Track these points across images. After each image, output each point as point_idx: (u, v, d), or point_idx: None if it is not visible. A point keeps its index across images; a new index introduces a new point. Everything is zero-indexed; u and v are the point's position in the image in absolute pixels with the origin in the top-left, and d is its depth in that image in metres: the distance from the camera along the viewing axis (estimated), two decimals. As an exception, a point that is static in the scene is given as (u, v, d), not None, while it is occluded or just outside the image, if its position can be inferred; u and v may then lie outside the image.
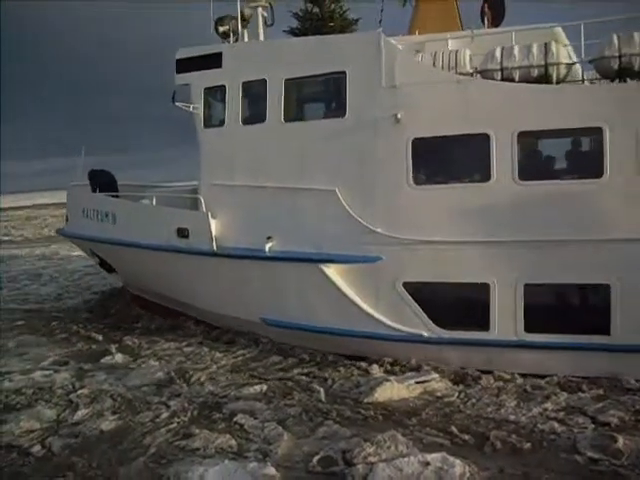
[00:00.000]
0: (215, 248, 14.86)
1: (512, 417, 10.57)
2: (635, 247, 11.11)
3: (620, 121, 11.20)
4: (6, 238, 46.04)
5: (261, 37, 16.09)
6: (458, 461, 8.73)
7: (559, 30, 13.52)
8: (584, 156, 12.47)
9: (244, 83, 14.64)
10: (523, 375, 12.06)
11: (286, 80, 13.96)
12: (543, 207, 11.65)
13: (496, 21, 16.01)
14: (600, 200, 11.35)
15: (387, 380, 12.09)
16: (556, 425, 10.15)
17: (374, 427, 10.41)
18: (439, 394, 11.75)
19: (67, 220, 20.46)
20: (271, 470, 8.95)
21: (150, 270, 17.50)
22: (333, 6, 19.55)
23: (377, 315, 13.00)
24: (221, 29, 15.76)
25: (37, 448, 10.32)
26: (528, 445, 9.58)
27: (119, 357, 14.97)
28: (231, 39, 15.60)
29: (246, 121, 14.74)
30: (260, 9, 16.19)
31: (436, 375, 12.36)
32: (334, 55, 13.43)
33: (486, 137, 11.96)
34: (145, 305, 19.00)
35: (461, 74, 12.74)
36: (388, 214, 12.82)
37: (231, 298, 15.17)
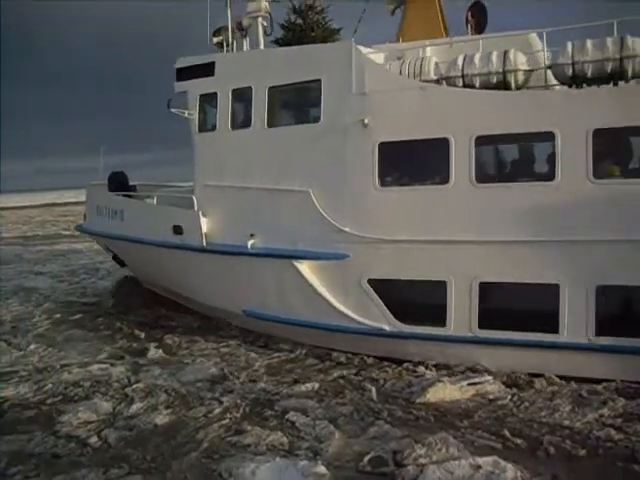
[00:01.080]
0: (205, 244, 15.94)
1: (566, 422, 10.34)
2: (583, 248, 11.48)
3: (571, 126, 11.57)
4: (66, 232, 47.39)
5: (261, 46, 16.79)
6: (510, 465, 8.59)
7: (533, 36, 13.87)
8: (538, 160, 12.76)
9: (233, 90, 15.56)
10: (579, 379, 11.78)
11: (269, 88, 14.81)
12: (498, 208, 12.14)
13: (479, 27, 16.48)
14: (552, 202, 11.70)
15: (439, 381, 12.02)
16: (613, 432, 9.86)
17: (425, 428, 10.34)
18: (492, 396, 11.57)
19: (85, 217, 22.37)
20: (321, 469, 8.97)
21: (153, 264, 19.05)
22: (317, 17, 20.16)
23: (344, 309, 13.66)
24: (215, 40, 16.90)
25: (94, 439, 10.59)
26: (583, 452, 9.36)
27: (159, 356, 15.20)
28: (225, 49, 16.63)
29: (234, 126, 15.68)
30: (260, 19, 16.87)
31: (489, 377, 12.19)
32: (311, 64, 14.19)
33: (446, 141, 12.45)
34: (155, 297, 20.29)
35: (426, 81, 13.23)
36: (356, 214, 13.48)
37: (219, 291, 16.26)
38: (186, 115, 16.50)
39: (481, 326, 12.39)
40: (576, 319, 11.64)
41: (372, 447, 9.69)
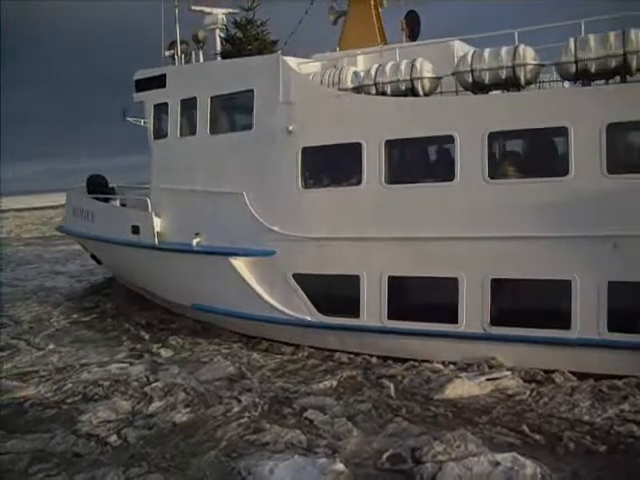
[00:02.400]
0: (157, 242, 17.27)
1: (586, 418, 10.25)
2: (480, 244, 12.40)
3: (469, 130, 12.42)
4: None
5: (218, 58, 18.13)
6: (529, 462, 8.53)
7: (455, 43, 14.49)
8: (441, 162, 13.62)
9: (181, 100, 16.92)
10: (598, 376, 11.58)
11: (211, 97, 16.07)
12: (407, 207, 13.09)
13: (413, 35, 17.43)
14: (452, 202, 12.67)
15: (458, 377, 12.00)
16: (635, 428, 9.75)
17: (444, 425, 10.32)
18: (510, 392, 11.50)
19: (65, 219, 23.98)
20: (340, 466, 8.95)
21: (120, 262, 20.93)
22: (256, 30, 21.47)
23: (272, 302, 14.79)
24: (167, 53, 18.24)
25: (114, 438, 10.67)
26: (604, 448, 9.29)
27: (177, 355, 15.25)
28: (176, 61, 17.98)
29: (183, 134, 17.04)
30: (217, 31, 18.26)
31: (508, 372, 12.10)
32: (245, 75, 15.44)
33: (359, 146, 13.43)
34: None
35: (343, 90, 14.22)
36: (282, 214, 14.61)
37: (173, 286, 17.80)
38: (142, 123, 18.36)
39: (390, 317, 13.29)
40: (473, 310, 12.56)
41: (390, 444, 9.69)
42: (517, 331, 12.12)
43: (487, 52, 12.80)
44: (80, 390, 13.07)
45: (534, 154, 13.12)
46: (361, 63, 15.44)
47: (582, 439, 9.55)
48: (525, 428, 10.01)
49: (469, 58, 12.90)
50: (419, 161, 14.26)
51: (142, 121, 18.27)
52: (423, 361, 13.05)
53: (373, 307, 13.46)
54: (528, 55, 12.53)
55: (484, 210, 12.37)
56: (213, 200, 15.86)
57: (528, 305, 12.50)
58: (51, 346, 16.61)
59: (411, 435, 9.94)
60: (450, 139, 12.66)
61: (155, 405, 11.96)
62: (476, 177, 12.41)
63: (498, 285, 12.31)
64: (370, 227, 13.38)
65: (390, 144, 13.31)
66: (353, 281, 13.58)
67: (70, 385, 13.39)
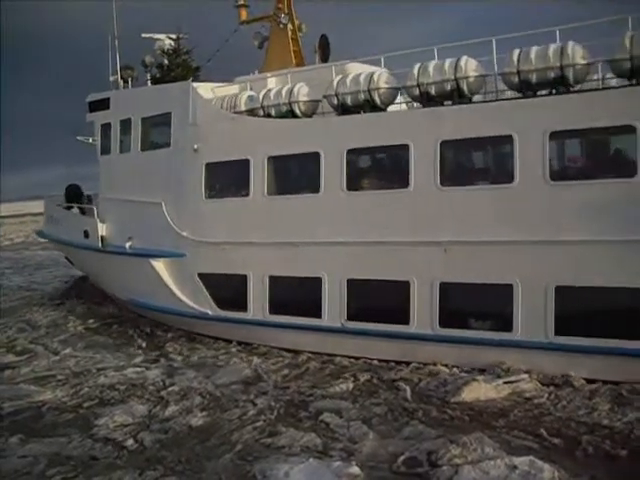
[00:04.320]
0: (100, 246, 19.81)
1: (606, 422, 10.12)
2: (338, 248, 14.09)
3: (330, 147, 14.27)
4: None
5: (149, 83, 20.72)
6: (547, 465, 8.45)
7: (351, 65, 15.90)
8: (310, 176, 14.89)
9: (121, 121, 19.39)
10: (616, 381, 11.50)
11: (142, 119, 18.55)
12: (284, 216, 15.05)
13: (324, 57, 19.56)
14: (316, 211, 14.59)
15: (474, 380, 11.90)
16: (655, 432, 9.60)
17: (460, 428, 10.23)
18: (528, 395, 11.41)
19: (43, 224, 26.48)
20: (355, 469, 8.94)
21: (81, 262, 23.95)
22: (181, 58, 23.08)
23: (183, 297, 16.99)
24: (111, 78, 20.83)
25: (130, 442, 10.72)
26: (624, 452, 9.15)
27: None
28: (121, 86, 20.50)
29: (122, 150, 19.52)
30: (149, 57, 21.00)
31: (525, 375, 11.99)
32: (165, 100, 17.76)
33: (247, 162, 15.45)
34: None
35: (238, 112, 16.11)
36: (190, 221, 16.80)
37: (116, 284, 20.62)
38: (91, 141, 21.31)
39: (271, 312, 15.21)
40: (334, 306, 14.32)
41: (406, 447, 9.64)
42: (366, 325, 13.88)
43: (350, 78, 14.48)
44: (97, 394, 13.15)
45: (385, 169, 15.07)
46: (272, 84, 17.12)
47: (601, 443, 9.42)
48: (543, 432, 9.90)
49: (335, 84, 14.57)
50: (294, 175, 16.19)
51: (91, 139, 21.32)
52: (298, 351, 14.90)
53: (258, 303, 15.44)
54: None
55: (343, 219, 14.21)
56: (141, 209, 18.22)
57: (376, 302, 14.00)
58: (68, 350, 16.76)
59: (427, 438, 9.88)
60: (317, 156, 14.41)
61: (171, 409, 12.00)
62: (337, 189, 14.21)
63: (352, 285, 14.09)
64: (256, 233, 15.39)
65: (272, 160, 15.24)
66: (243, 280, 15.61)
67: (87, 389, 13.49)
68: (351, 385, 12.68)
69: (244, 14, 20.84)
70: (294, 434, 10.36)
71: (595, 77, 13.45)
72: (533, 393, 11.46)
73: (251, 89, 16.84)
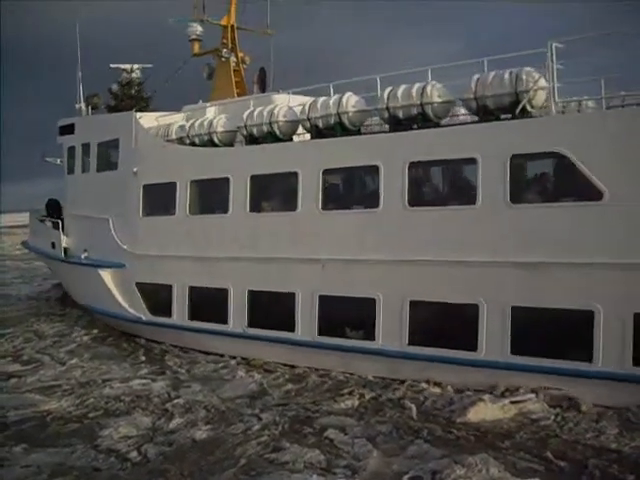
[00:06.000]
0: (63, 256, 22.38)
1: (613, 445, 10.00)
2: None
3: (238, 174, 16.07)
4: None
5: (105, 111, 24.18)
6: (553, 488, 8.36)
7: (276, 96, 17.83)
8: (220, 198, 16.73)
9: (82, 144, 21.94)
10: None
11: (97, 143, 21.01)
12: (201, 233, 16.98)
13: (262, 87, 21.98)
14: (227, 229, 16.42)
15: (480, 399, 11.77)
16: (663, 457, 9.48)
17: (466, 448, 10.14)
18: (534, 416, 11.29)
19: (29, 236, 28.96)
20: (359, 487, 8.87)
21: (52, 271, 27.30)
22: (133, 89, 25.75)
23: (123, 303, 19.03)
24: (77, 106, 23.47)
25: (134, 454, 10.69)
26: (632, 478, 9.02)
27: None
28: (84, 112, 23.18)
29: (83, 171, 22.05)
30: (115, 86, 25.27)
31: (532, 395, 11.85)
32: (115, 127, 20.11)
33: (174, 184, 17.54)
34: None
35: (169, 141, 18.36)
36: (130, 236, 18.92)
37: (77, 291, 23.08)
38: (58, 162, 24.22)
39: (190, 318, 17.13)
40: (238, 313, 16.03)
41: (411, 466, 9.57)
42: (263, 332, 15.49)
43: (249, 112, 16.41)
44: (102, 405, 13.15)
45: (281, 193, 16.34)
46: (211, 113, 19.07)
47: (609, 468, 9.30)
48: (549, 454, 9.80)
49: (246, 117, 16.38)
50: (211, 197, 17.67)
51: (58, 160, 24.13)
52: (210, 353, 16.67)
53: (180, 310, 17.38)
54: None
55: (245, 237, 16.01)
56: (95, 224, 20.45)
57: (271, 311, 15.75)
58: (74, 361, 16.80)
59: (432, 458, 9.79)
60: (226, 181, 16.33)
61: (176, 422, 11.97)
62: (243, 211, 16.02)
63: (253, 295, 15.83)
64: (180, 247, 17.31)
65: (194, 183, 17.29)
66: (169, 289, 17.59)
67: (92, 400, 13.49)
68: (356, 402, 12.60)
69: (197, 47, 23.10)
70: (298, 450, 10.29)
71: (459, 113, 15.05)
72: (540, 414, 11.33)
73: (188, 119, 19.28)
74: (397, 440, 10.70)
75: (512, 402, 11.68)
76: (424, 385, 13.05)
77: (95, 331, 20.34)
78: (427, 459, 9.77)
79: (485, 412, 11.40)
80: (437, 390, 12.81)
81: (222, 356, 16.26)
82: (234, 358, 16.01)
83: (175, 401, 13.11)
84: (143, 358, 17.13)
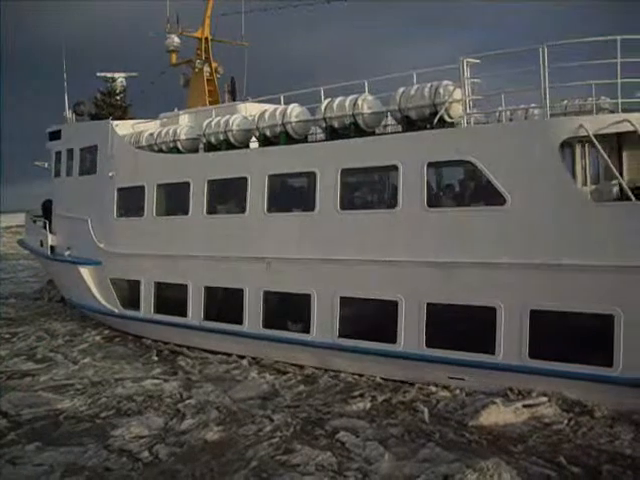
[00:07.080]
0: (49, 253, 23.78)
1: (628, 451, 9.90)
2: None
3: (197, 179, 17.28)
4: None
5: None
6: (566, 494, 8.28)
7: (242, 105, 19.13)
8: (182, 200, 17.88)
9: (67, 150, 23.32)
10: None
11: (80, 149, 22.39)
12: (166, 233, 18.23)
13: (232, 96, 23.24)
14: (188, 229, 17.66)
15: (493, 402, 11.71)
16: (679, 463, 9.37)
17: (478, 452, 10.08)
18: (547, 420, 11.21)
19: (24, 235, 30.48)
20: (370, 491, 8.83)
21: (43, 268, 28.70)
22: (115, 98, 26.77)
23: (100, 298, 20.54)
24: (64, 114, 24.61)
25: (145, 454, 10.73)
26: (646, 484, 8.93)
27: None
28: (69, 119, 24.39)
29: (68, 174, 23.32)
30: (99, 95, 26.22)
31: (544, 399, 11.77)
32: (95, 133, 21.40)
33: (143, 187, 18.78)
34: None
35: (140, 147, 19.68)
36: (105, 236, 20.35)
37: (63, 287, 24.72)
38: (46, 166, 25.92)
39: (156, 311, 18.37)
40: (196, 307, 17.31)
41: (422, 470, 9.52)
42: (218, 325, 16.75)
43: (215, 120, 17.45)
44: (114, 404, 13.20)
45: (231, 197, 17.32)
46: (185, 121, 20.26)
47: (623, 474, 9.21)
48: (562, 459, 9.72)
49: (209, 125, 17.48)
50: (174, 200, 18.59)
51: (46, 164, 25.84)
52: (167, 343, 18.36)
53: (147, 304, 18.61)
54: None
55: (202, 237, 17.22)
56: (76, 224, 21.81)
57: (223, 306, 17.11)
58: (87, 360, 16.89)
59: (444, 461, 9.74)
60: (187, 185, 17.48)
61: (187, 422, 11.99)
62: (201, 213, 17.22)
63: (208, 291, 17.10)
64: (147, 246, 18.59)
65: (159, 187, 18.51)
66: (137, 285, 18.95)
67: (104, 399, 13.56)
68: (368, 404, 12.57)
69: (174, 58, 24.58)
70: (309, 452, 10.29)
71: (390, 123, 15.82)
72: (553, 418, 11.24)
73: (163, 126, 20.44)
74: (409, 443, 10.66)
75: (525, 406, 11.60)
76: (435, 388, 13.00)
77: (107, 331, 20.45)
78: (439, 463, 9.72)
79: (497, 416, 11.32)
80: (448, 393, 12.74)
81: (182, 347, 17.82)
82: (190, 349, 17.55)
83: (187, 401, 13.13)
84: (155, 358, 17.18)
